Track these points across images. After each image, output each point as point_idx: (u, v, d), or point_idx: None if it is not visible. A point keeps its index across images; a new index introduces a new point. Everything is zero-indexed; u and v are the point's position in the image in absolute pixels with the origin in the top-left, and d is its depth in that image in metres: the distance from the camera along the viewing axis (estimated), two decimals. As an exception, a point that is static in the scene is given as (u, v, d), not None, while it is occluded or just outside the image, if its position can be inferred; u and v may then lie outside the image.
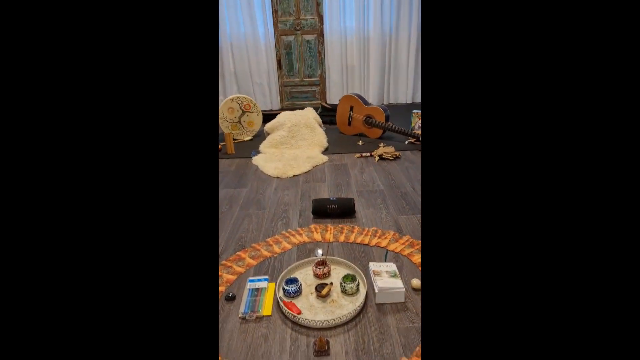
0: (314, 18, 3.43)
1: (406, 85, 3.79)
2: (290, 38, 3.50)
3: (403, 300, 1.14)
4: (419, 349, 0.97)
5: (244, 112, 2.78)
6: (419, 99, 3.87)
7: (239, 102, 2.73)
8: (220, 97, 3.67)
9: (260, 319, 1.11)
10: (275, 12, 3.38)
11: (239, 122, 2.79)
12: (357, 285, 1.17)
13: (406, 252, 1.38)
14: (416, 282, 1.18)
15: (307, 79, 3.65)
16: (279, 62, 3.58)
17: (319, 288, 1.17)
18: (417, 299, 1.15)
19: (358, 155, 2.40)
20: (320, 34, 3.48)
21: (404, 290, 1.13)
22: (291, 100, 3.71)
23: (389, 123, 2.61)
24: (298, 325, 1.07)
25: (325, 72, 3.63)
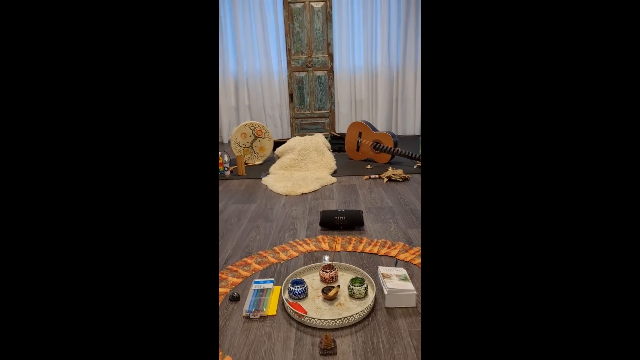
0: (324, 56, 3.66)
1: (414, 117, 3.90)
2: (302, 74, 3.71)
3: (414, 305, 1.08)
4: (432, 350, 0.91)
5: (255, 138, 2.87)
6: (426, 132, 3.95)
7: (252, 127, 2.83)
8: (234, 127, 3.82)
9: (264, 318, 1.06)
10: (289, 50, 3.62)
11: (251, 146, 2.88)
12: (366, 289, 1.13)
13: (417, 261, 1.34)
14: (427, 287, 1.13)
15: (317, 112, 3.80)
16: (291, 96, 3.76)
17: (325, 290, 1.13)
18: (429, 304, 1.09)
19: (366, 177, 2.42)
20: (331, 71, 3.68)
21: (415, 293, 1.08)
22: (301, 131, 3.83)
23: (398, 148, 2.66)
24: (303, 326, 1.02)
25: (334, 105, 3.78)
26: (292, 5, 3.52)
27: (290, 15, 3.50)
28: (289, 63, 3.66)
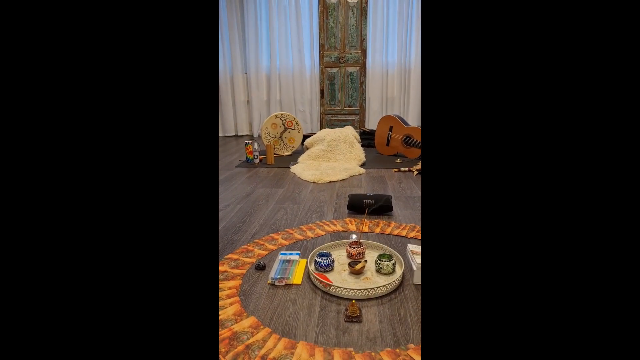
0: (357, 52, 3.66)
1: (446, 117, 3.80)
2: (334, 70, 3.72)
3: (444, 283, 1.04)
4: (463, 326, 0.86)
5: (285, 129, 2.91)
6: (459, 131, 3.84)
7: (282, 118, 2.87)
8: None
9: (289, 286, 1.06)
10: (322, 46, 3.66)
11: (281, 137, 2.91)
12: (394, 265, 1.10)
13: (447, 245, 1.29)
14: (459, 267, 1.08)
15: (348, 108, 3.80)
16: (322, 92, 3.78)
17: (352, 264, 1.11)
18: (460, 284, 1.05)
19: (396, 170, 2.37)
20: (363, 67, 3.68)
21: (446, 270, 1.04)
22: (331, 127, 3.84)
23: (429, 143, 2.59)
24: (329, 295, 1.01)
25: (365, 102, 3.76)
26: (327, 0, 3.56)
27: (325, 11, 3.54)
28: (321, 58, 3.69)
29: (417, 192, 1.92)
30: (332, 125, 3.84)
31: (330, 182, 2.15)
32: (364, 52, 3.63)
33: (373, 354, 0.78)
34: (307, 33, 3.71)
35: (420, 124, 3.86)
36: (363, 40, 3.60)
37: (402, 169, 2.37)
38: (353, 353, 0.79)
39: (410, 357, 0.77)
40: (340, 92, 3.77)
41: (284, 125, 2.89)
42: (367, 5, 3.49)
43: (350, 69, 3.71)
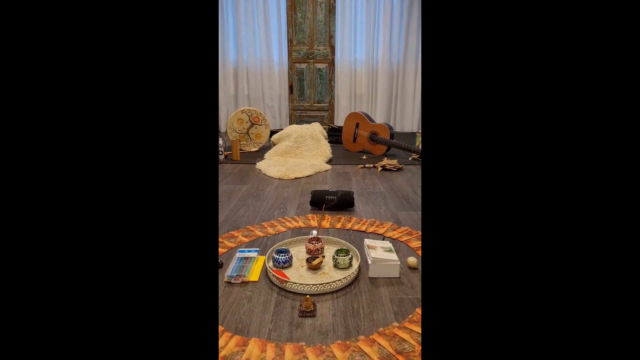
0: (326, 49, 3.66)
1: (412, 114, 3.90)
2: (303, 66, 3.71)
3: (398, 276, 1.08)
4: (411, 316, 0.90)
5: (252, 124, 2.87)
6: (424, 129, 3.96)
7: (249, 114, 2.83)
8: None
9: (245, 283, 1.05)
10: (290, 41, 3.63)
11: (247, 133, 2.87)
12: (350, 260, 1.12)
13: (404, 239, 1.33)
14: (412, 260, 1.12)
15: (317, 104, 3.80)
16: (291, 87, 3.76)
17: (310, 259, 1.12)
18: (413, 276, 1.09)
19: (361, 166, 2.41)
20: (332, 63, 3.69)
21: (399, 263, 1.07)
22: (300, 123, 3.83)
23: (394, 140, 2.65)
24: (285, 291, 1.01)
25: (334, 99, 3.78)
26: (295, -4, 3.53)
27: (293, 5, 3.51)
28: (290, 54, 3.67)
29: (380, 188, 1.97)
30: (301, 121, 3.83)
31: (295, 178, 2.16)
32: (333, 48, 3.65)
33: (324, 347, 0.80)
34: (275, 27, 3.66)
35: (386, 122, 3.94)
36: (332, 36, 3.61)
37: (367, 165, 2.41)
38: (304, 347, 0.80)
39: (360, 348, 0.79)
40: (309, 88, 3.76)
41: (250, 121, 2.85)
42: (335, 2, 3.50)
43: (319, 65, 3.72)
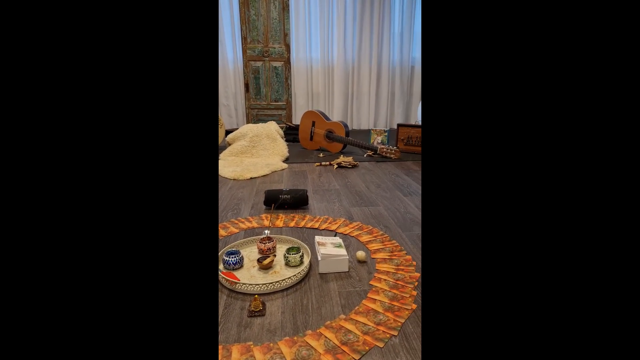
0: (281, 47, 3.65)
1: (368, 113, 4.01)
2: (259, 64, 3.67)
3: (347, 270, 1.11)
4: (357, 307, 0.94)
5: (206, 124, 2.79)
6: (380, 126, 4.08)
7: (202, 113, 2.75)
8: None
9: (194, 287, 1.03)
10: (244, 39, 3.57)
11: (201, 133, 2.79)
12: (301, 257, 1.14)
13: (354, 234, 1.38)
14: (360, 254, 1.17)
15: (274, 103, 3.78)
16: (247, 86, 3.70)
17: (260, 259, 1.12)
18: (361, 269, 1.13)
19: (317, 164, 2.44)
20: (287, 62, 3.68)
21: (347, 257, 1.11)
22: (258, 122, 3.79)
23: (349, 138, 2.71)
24: (235, 292, 1.01)
25: (291, 97, 3.78)
26: (247, -8, 3.47)
27: (245, 2, 3.45)
28: (244, 52, 3.61)
29: (335, 185, 2.01)
30: (258, 120, 3.79)
31: (251, 178, 2.14)
32: (288, 46, 3.64)
33: (271, 344, 0.81)
34: (227, 24, 3.58)
35: (342, 120, 4.01)
36: (286, 34, 3.60)
37: (323, 163, 2.45)
38: (251, 346, 0.81)
39: (307, 343, 0.82)
40: (266, 86, 3.73)
41: (204, 121, 2.77)
42: (288, 0, 3.49)
43: (275, 63, 3.69)
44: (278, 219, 1.52)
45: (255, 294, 0.96)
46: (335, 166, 2.38)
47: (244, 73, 3.66)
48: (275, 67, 3.69)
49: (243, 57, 3.62)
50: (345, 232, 1.39)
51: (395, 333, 0.84)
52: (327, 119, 2.81)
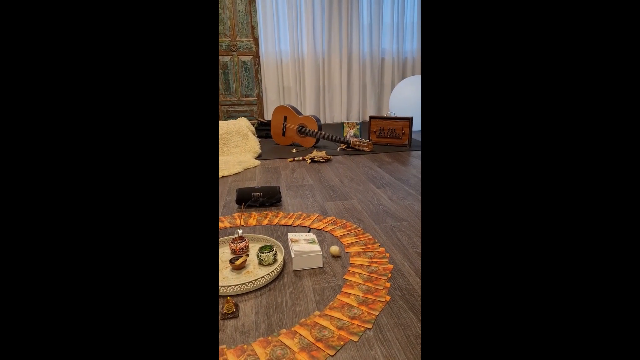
0: (249, 40, 3.57)
1: (340, 106, 4.01)
2: (227, 59, 3.57)
3: (321, 265, 1.11)
4: (332, 303, 0.94)
5: (174, 122, 2.69)
6: (353, 118, 4.10)
7: (169, 111, 2.65)
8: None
9: (163, 293, 1.00)
10: (210, 33, 3.45)
11: (169, 132, 2.69)
12: (275, 255, 1.12)
13: (328, 228, 1.38)
14: (334, 249, 1.17)
15: (245, 99, 3.70)
16: (216, 81, 3.60)
17: (233, 260, 1.10)
18: (335, 264, 1.13)
19: (291, 159, 2.42)
20: (257, 56, 3.61)
21: (321, 253, 1.11)
22: (229, 118, 3.70)
23: (322, 132, 2.71)
24: (206, 295, 0.99)
25: (262, 92, 3.71)
26: (211, -15, 3.35)
27: (209, -5, 3.33)
28: (211, 46, 3.49)
29: (309, 180, 2.00)
30: (229, 116, 3.71)
31: (222, 177, 2.09)
32: (256, 40, 3.56)
33: (245, 346, 0.80)
34: (192, 18, 3.45)
35: (314, 114, 3.99)
36: (254, 27, 3.52)
37: (296, 158, 2.43)
38: (225, 350, 0.79)
39: (281, 342, 0.81)
40: (235, 81, 3.64)
41: (171, 119, 2.68)
42: (254, -8, 3.41)
43: (243, 58, 3.61)
44: (251, 217, 1.50)
45: (228, 296, 0.94)
46: (309, 161, 2.37)
47: (212, 68, 3.55)
48: (244, 61, 3.61)
49: (210, 52, 3.50)
50: (319, 228, 1.39)
51: (370, 326, 0.85)
52: (299, 113, 2.79)
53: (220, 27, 3.46)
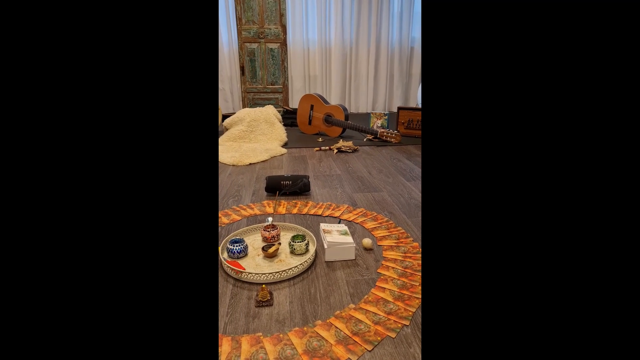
0: (277, 28, 3.53)
1: (366, 96, 3.94)
2: (254, 46, 3.56)
3: (353, 258, 1.09)
4: (367, 297, 0.92)
5: (202, 109, 2.71)
6: (379, 109, 4.02)
7: (198, 97, 2.67)
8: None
9: (198, 277, 1.01)
10: (239, 19, 3.44)
11: (197, 118, 2.72)
12: (307, 245, 1.12)
13: (359, 220, 1.36)
14: (367, 241, 1.15)
15: (270, 86, 3.69)
16: (242, 69, 3.60)
17: (265, 247, 1.10)
18: (368, 257, 1.11)
19: (317, 149, 2.40)
20: (284, 43, 3.57)
21: (354, 245, 1.09)
22: (254, 106, 3.70)
23: (349, 122, 2.66)
24: (240, 282, 0.99)
25: (288, 80, 3.69)
26: (241, -30, 3.33)
27: (239, -20, 3.31)
28: (239, 33, 3.49)
29: (336, 170, 1.97)
30: (254, 104, 3.71)
31: (250, 164, 2.09)
32: (284, 27, 3.52)
33: (281, 335, 0.80)
34: (222, 4, 3.45)
35: (341, 103, 3.94)
36: (282, 15, 3.48)
37: (323, 147, 2.41)
38: (261, 337, 0.79)
39: (317, 333, 0.80)
40: (262, 69, 3.63)
41: (199, 105, 2.70)
42: (284, -22, 3.35)
43: (271, 45, 3.58)
44: (280, 205, 1.49)
45: (263, 284, 0.94)
46: (335, 151, 2.34)
47: (240, 55, 3.55)
48: (271, 49, 3.58)
49: (238, 39, 3.50)
50: (350, 219, 1.37)
51: (407, 322, 0.83)
52: (326, 102, 2.75)
53: (249, 14, 3.44)
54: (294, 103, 3.85)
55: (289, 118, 3.16)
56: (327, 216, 1.40)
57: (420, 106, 2.84)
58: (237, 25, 3.45)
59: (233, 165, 2.07)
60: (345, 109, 2.68)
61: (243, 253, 1.09)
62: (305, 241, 1.11)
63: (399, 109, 2.73)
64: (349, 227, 1.30)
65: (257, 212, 1.44)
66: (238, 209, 1.46)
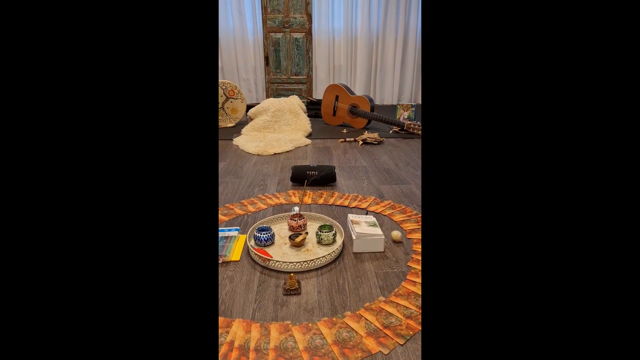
0: (303, 17, 3.49)
1: (392, 87, 3.85)
2: (279, 35, 3.53)
3: (382, 250, 1.07)
4: (397, 290, 0.90)
5: (227, 99, 2.73)
6: (404, 100, 3.93)
7: (223, 87, 2.69)
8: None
9: (227, 263, 1.01)
10: (264, 8, 3.42)
11: (222, 108, 2.74)
12: (334, 235, 1.10)
13: (387, 212, 1.32)
14: (396, 234, 1.11)
15: (294, 77, 3.67)
16: (267, 59, 3.59)
17: (293, 237, 1.09)
18: (397, 250, 1.08)
19: (342, 140, 2.37)
20: (309, 33, 3.53)
21: (384, 237, 1.06)
22: (277, 96, 3.70)
23: (374, 113, 2.61)
24: (268, 269, 0.99)
25: (312, 71, 3.65)
26: (268, -42, 3.30)
27: (266, -31, 3.28)
28: (264, 22, 3.47)
29: (362, 162, 1.94)
30: (278, 94, 3.70)
31: (274, 154, 2.09)
32: (310, 16, 3.48)
33: (310, 324, 0.78)
34: (247, -7, 3.44)
35: (366, 94, 3.87)
36: (308, 4, 3.43)
37: (347, 139, 2.37)
38: (290, 326, 0.78)
39: (346, 324, 0.78)
40: (286, 59, 3.61)
41: (225, 95, 2.72)
42: (311, -34, 3.30)
43: (295, 35, 3.55)
44: (306, 195, 1.48)
45: (291, 272, 0.93)
46: (361, 142, 2.30)
47: (264, 45, 3.54)
48: (296, 38, 3.55)
49: (263, 29, 3.49)
50: (377, 211, 1.33)
51: (440, 317, 0.80)
52: (352, 93, 2.70)
53: (274, 3, 3.41)
54: (317, 94, 3.81)
55: (312, 109, 3.13)
56: (353, 207, 1.38)
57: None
58: (262, 14, 3.44)
59: (258, 154, 2.07)
60: (371, 100, 2.63)
61: (270, 241, 1.09)
62: (333, 231, 1.09)
63: (427, 100, 2.64)
64: (377, 219, 1.27)
65: (283, 201, 1.43)
66: (264, 197, 1.46)
